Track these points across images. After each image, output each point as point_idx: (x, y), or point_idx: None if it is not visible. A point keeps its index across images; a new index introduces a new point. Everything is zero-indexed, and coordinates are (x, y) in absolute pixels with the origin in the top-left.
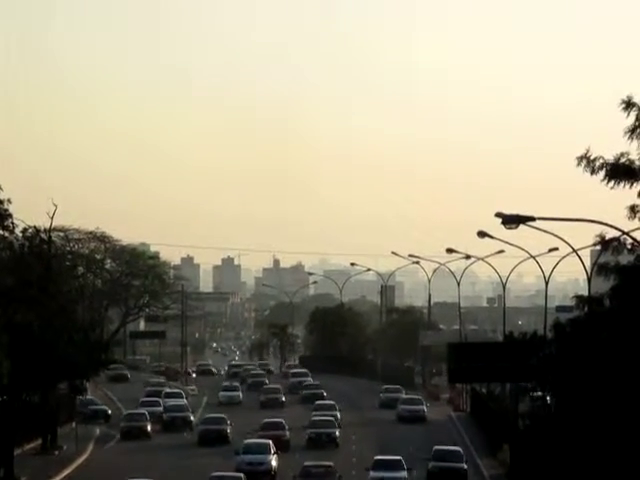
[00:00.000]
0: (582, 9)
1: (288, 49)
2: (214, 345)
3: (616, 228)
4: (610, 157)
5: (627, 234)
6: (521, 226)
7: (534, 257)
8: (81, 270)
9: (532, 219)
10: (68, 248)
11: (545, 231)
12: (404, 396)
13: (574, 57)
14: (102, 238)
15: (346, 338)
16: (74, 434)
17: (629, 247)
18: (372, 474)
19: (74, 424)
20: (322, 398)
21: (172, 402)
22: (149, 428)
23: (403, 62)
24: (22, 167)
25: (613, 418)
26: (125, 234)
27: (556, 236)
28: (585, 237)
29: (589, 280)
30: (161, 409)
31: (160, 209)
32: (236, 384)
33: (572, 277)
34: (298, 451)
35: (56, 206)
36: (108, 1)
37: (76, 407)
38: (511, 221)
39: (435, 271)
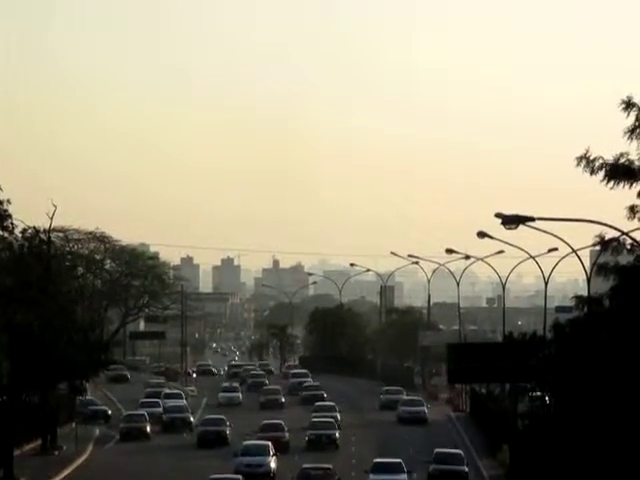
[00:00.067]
0: (582, 9)
1: (288, 49)
2: (214, 345)
3: (615, 228)
4: (610, 157)
5: (626, 234)
6: (521, 226)
7: (534, 257)
8: (81, 270)
9: (532, 219)
10: (68, 248)
11: (545, 231)
12: (405, 397)
13: (574, 57)
14: (102, 238)
15: (346, 338)
16: (74, 434)
17: (628, 247)
18: (372, 477)
19: (74, 424)
20: (322, 399)
21: (172, 403)
22: (148, 429)
23: (403, 62)
24: (22, 167)
25: (613, 418)
26: (125, 234)
27: (556, 236)
28: (585, 237)
29: (588, 280)
30: (161, 410)
31: (160, 209)
32: (236, 385)
33: (572, 277)
34: (297, 453)
35: (56, 206)
36: (108, 1)
37: (76, 407)
38: (511, 221)
39: (435, 271)
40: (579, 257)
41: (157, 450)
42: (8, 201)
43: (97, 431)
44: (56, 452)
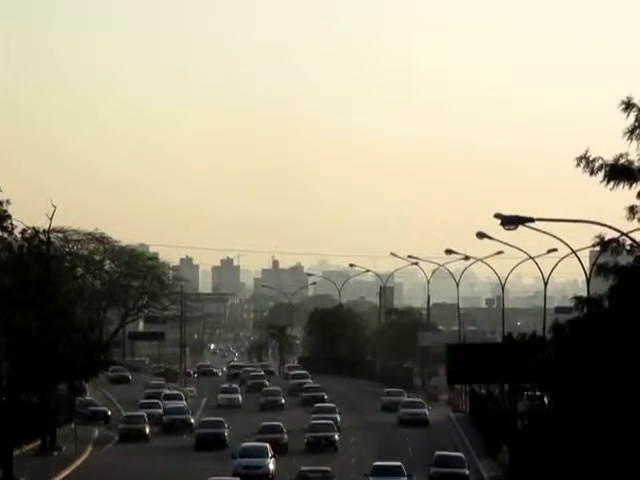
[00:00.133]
0: (582, 9)
1: (288, 49)
2: (212, 347)
3: (615, 229)
4: (609, 158)
5: (626, 235)
6: (520, 227)
7: (533, 258)
8: (80, 271)
9: (531, 220)
10: (67, 249)
11: (544, 232)
12: (406, 399)
13: (574, 57)
14: (101, 239)
15: (345, 339)
16: (73, 435)
17: (628, 248)
18: None
19: (73, 425)
20: (322, 401)
21: (171, 404)
22: (147, 430)
23: (403, 62)
24: (21, 168)
25: (612, 418)
26: (124, 235)
27: (555, 237)
28: (584, 238)
29: (588, 281)
30: (160, 411)
31: (159, 210)
32: (235, 386)
33: (571, 278)
34: (296, 455)
35: (55, 207)
36: (108, 1)
37: (75, 408)
38: (510, 222)
39: (434, 272)
40: (579, 258)
41: (156, 451)
42: (8, 202)
43: (96, 432)
44: (55, 453)
